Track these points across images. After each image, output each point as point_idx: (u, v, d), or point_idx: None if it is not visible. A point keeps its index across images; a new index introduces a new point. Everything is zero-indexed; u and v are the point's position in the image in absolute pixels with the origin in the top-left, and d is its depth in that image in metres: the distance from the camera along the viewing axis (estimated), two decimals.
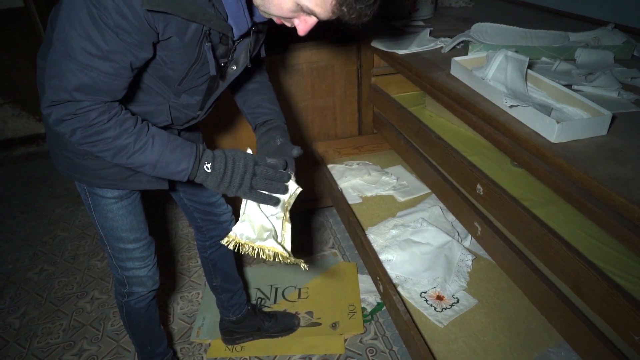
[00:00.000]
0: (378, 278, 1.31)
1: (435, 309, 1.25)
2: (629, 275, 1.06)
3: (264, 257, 0.90)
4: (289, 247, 0.94)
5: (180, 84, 0.90)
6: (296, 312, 1.69)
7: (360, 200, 1.72)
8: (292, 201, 0.96)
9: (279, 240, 0.93)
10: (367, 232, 1.52)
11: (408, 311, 1.17)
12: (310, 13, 0.74)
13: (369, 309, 1.67)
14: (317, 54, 1.83)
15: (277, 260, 0.91)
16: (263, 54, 1.02)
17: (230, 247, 0.89)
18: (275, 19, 0.80)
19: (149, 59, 0.80)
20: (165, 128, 0.98)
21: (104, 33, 0.70)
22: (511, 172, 1.45)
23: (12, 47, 2.87)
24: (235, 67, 0.93)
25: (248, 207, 0.91)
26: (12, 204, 2.60)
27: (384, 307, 1.67)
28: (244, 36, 0.86)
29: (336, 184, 1.78)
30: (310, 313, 1.69)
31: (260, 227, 0.90)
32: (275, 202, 0.91)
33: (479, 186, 1.28)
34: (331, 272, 1.85)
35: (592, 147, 0.91)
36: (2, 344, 1.70)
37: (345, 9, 0.71)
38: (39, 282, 2.00)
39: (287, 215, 0.95)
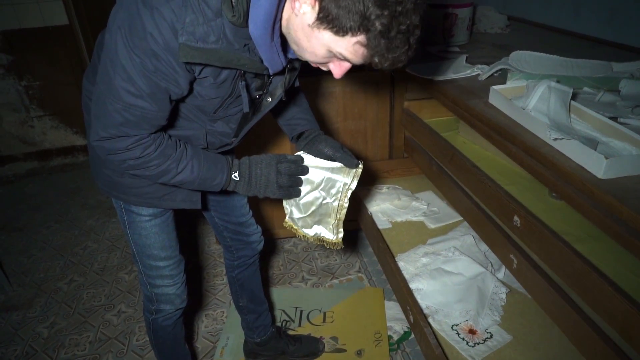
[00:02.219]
0: (408, 308, 1.28)
1: (467, 343, 1.21)
2: None
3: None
4: (340, 234, 1.05)
5: (216, 112, 0.93)
6: (320, 337, 1.66)
7: (390, 226, 1.69)
8: (355, 182, 1.02)
9: (332, 224, 1.04)
10: (396, 259, 1.49)
11: (440, 344, 1.13)
12: (343, 59, 0.76)
13: (395, 338, 1.63)
14: (351, 77, 1.83)
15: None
16: (297, 84, 1.04)
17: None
18: (311, 63, 0.83)
19: (187, 94, 0.84)
20: None
21: (145, 76, 0.75)
22: (550, 204, 1.40)
23: (56, 62, 2.99)
24: (270, 99, 0.95)
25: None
26: (47, 213, 2.67)
27: (411, 336, 1.63)
28: (279, 72, 0.88)
29: (366, 208, 1.76)
30: (334, 338, 1.66)
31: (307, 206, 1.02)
32: (299, 194, 0.98)
33: (516, 217, 1.25)
34: (357, 296, 1.82)
35: None
36: (31, 352, 1.72)
37: (377, 60, 0.72)
38: (69, 292, 2.04)
39: (347, 198, 1.03)
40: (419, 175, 1.99)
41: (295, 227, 1.07)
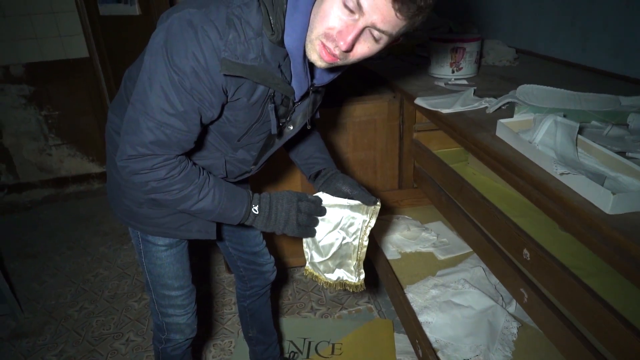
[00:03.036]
0: (417, 342, 1.26)
1: None
2: None
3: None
4: (362, 275, 1.06)
5: (240, 140, 0.96)
6: None
7: (399, 256, 1.69)
8: (374, 220, 1.03)
9: (353, 265, 1.05)
10: (405, 291, 1.48)
11: None
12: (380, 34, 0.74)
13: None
14: (361, 108, 1.87)
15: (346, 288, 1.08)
16: (317, 115, 1.07)
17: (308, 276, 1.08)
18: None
19: (216, 117, 0.87)
20: None
21: (181, 95, 0.77)
22: (560, 237, 1.39)
23: (75, 92, 3.10)
24: (292, 127, 0.99)
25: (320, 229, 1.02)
26: (59, 239, 2.71)
27: None
28: (303, 97, 0.91)
29: (374, 239, 1.76)
30: None
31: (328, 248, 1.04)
32: (314, 234, 1.00)
33: (525, 251, 1.24)
34: (366, 328, 1.80)
35: None
36: None
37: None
38: (79, 319, 2.05)
39: (366, 236, 1.04)
40: (429, 205, 1.99)
41: (316, 273, 1.07)
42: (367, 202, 1.03)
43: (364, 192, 1.04)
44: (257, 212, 0.94)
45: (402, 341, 1.72)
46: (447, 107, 1.54)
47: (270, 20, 0.76)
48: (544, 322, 1.19)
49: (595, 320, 1.01)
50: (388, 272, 1.51)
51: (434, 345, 1.29)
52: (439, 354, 1.26)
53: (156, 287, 1.18)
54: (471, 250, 1.69)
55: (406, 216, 1.91)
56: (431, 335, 1.31)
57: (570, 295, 1.09)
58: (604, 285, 1.17)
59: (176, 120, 0.80)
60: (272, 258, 1.41)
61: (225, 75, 0.77)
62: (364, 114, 1.88)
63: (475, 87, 1.67)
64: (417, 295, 1.46)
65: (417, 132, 1.91)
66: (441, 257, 1.66)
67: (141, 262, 1.18)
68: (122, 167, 0.84)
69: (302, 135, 1.17)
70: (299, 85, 0.86)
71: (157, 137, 0.80)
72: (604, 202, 0.91)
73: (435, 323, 1.35)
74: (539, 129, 1.17)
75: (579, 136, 1.17)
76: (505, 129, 1.28)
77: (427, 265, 1.63)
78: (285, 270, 2.20)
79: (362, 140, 1.92)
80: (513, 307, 1.44)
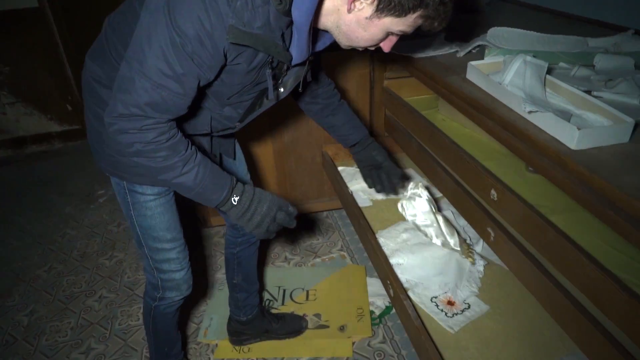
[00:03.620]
0: (388, 282, 1.30)
1: (446, 314, 1.23)
2: None
3: None
4: None
5: (229, 98, 0.93)
6: (304, 315, 1.68)
7: (371, 204, 1.71)
8: None
9: None
10: (377, 236, 1.50)
11: (419, 316, 1.16)
12: (400, 34, 0.84)
13: (377, 313, 1.66)
14: (329, 57, 1.81)
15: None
16: (309, 78, 1.06)
17: None
18: (360, 48, 0.89)
19: (212, 80, 0.85)
20: (202, 135, 1.03)
21: (181, 58, 0.75)
22: (526, 178, 1.43)
23: (27, 47, 2.89)
24: (282, 90, 0.96)
25: None
26: (23, 202, 2.61)
27: (393, 311, 1.66)
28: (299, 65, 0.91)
29: (346, 187, 1.76)
30: (318, 315, 1.68)
31: None
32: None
33: (493, 191, 1.27)
34: (339, 274, 1.84)
35: (614, 155, 0.90)
36: (11, 341, 1.70)
37: (436, 24, 0.81)
38: (48, 280, 2.01)
39: None
40: (400, 154, 2.00)
41: None
42: (394, 172, 1.24)
43: (392, 164, 1.25)
44: (235, 204, 0.93)
45: (374, 285, 1.78)
46: (418, 52, 1.52)
47: None
48: (509, 259, 1.24)
49: (558, 254, 1.05)
50: (360, 218, 1.52)
51: (405, 285, 1.33)
52: (410, 293, 1.30)
53: (148, 242, 1.14)
54: (441, 195, 1.72)
55: None
56: (402, 276, 1.35)
57: (535, 232, 1.13)
58: (567, 221, 1.22)
59: (174, 83, 0.77)
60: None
61: (232, 43, 0.76)
62: (333, 63, 1.83)
63: (446, 33, 1.64)
64: (389, 239, 1.49)
65: (388, 79, 1.88)
66: None
67: (130, 217, 1.12)
68: (110, 123, 0.81)
69: (332, 109, 1.25)
70: (299, 54, 0.85)
71: (152, 99, 0.77)
72: (570, 138, 0.93)
73: (406, 264, 1.38)
74: (509, 70, 1.16)
75: (547, 76, 1.17)
76: (476, 71, 1.28)
77: (398, 211, 1.65)
78: None
79: None
80: (480, 246, 1.49)
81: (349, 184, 1.79)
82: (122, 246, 2.19)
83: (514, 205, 1.19)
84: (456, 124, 1.67)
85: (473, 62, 1.30)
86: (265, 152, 1.96)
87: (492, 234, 1.27)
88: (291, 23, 0.79)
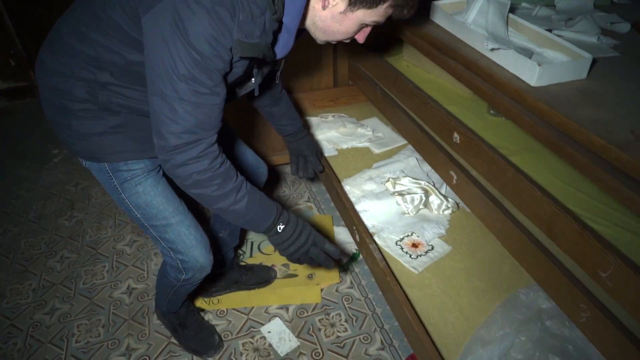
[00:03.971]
0: (354, 228, 1.31)
1: (410, 256, 1.27)
2: (600, 218, 1.09)
3: None
4: None
5: None
6: (272, 265, 1.69)
7: (336, 153, 1.70)
8: None
9: None
10: (343, 184, 1.51)
11: (384, 258, 1.18)
12: (373, 24, 0.88)
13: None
14: None
15: None
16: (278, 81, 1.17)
17: None
18: (336, 42, 0.93)
19: None
20: None
21: (209, 73, 0.79)
22: (488, 121, 1.45)
23: None
24: (252, 80, 0.99)
25: None
26: None
27: (360, 258, 1.69)
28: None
29: (312, 137, 1.74)
30: (286, 265, 1.70)
31: None
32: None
33: (455, 134, 1.28)
34: None
35: (572, 90, 0.91)
36: None
37: (406, 11, 0.84)
38: (4, 243, 1.92)
39: None
40: (364, 102, 1.98)
41: None
42: (316, 167, 1.36)
43: (317, 160, 1.36)
44: (280, 232, 0.98)
45: (341, 233, 1.80)
46: None
47: (273, 1, 0.79)
48: (471, 201, 1.27)
49: (515, 191, 1.08)
50: (325, 167, 1.51)
51: (371, 230, 1.35)
52: (375, 237, 1.32)
53: (151, 221, 1.07)
54: (405, 142, 1.73)
55: (342, 114, 1.90)
56: (367, 221, 1.37)
57: (495, 172, 1.15)
58: (526, 162, 1.25)
59: (210, 97, 0.81)
60: (264, 164, 1.40)
61: (240, 57, 0.81)
62: None
63: None
64: (354, 187, 1.49)
65: None
66: (377, 150, 1.69)
67: (122, 201, 1.06)
68: (166, 160, 0.84)
69: (274, 100, 1.29)
70: (282, 51, 0.90)
71: (198, 119, 0.81)
72: (530, 75, 0.93)
73: (372, 211, 1.40)
74: (472, 9, 1.14)
75: (510, 15, 1.16)
76: (440, 12, 1.25)
77: (363, 160, 1.65)
78: None
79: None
80: (443, 191, 1.52)
81: (314, 134, 1.77)
82: (82, 206, 2.12)
83: (475, 147, 1.20)
84: (420, 70, 1.65)
85: (437, 2, 1.26)
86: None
87: (455, 177, 1.29)
88: (280, 26, 0.85)
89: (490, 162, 1.16)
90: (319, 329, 1.50)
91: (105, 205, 2.10)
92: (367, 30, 0.91)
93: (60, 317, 1.59)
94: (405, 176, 1.51)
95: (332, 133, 1.78)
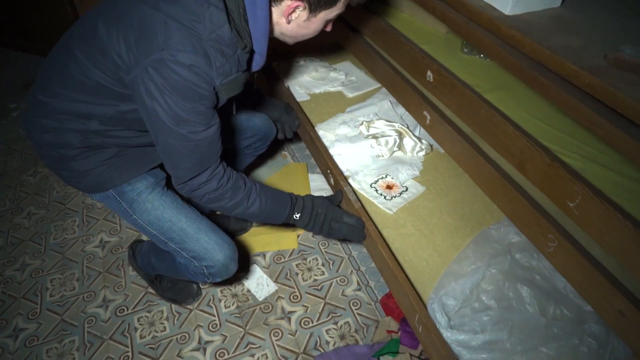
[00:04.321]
0: (329, 171, 1.29)
1: (385, 197, 1.27)
2: (570, 152, 1.11)
3: None
4: None
5: None
6: None
7: (308, 98, 1.65)
8: None
9: None
10: (316, 128, 1.48)
11: (359, 200, 1.18)
12: (336, 17, 0.95)
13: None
14: None
15: None
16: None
17: None
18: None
19: None
20: None
21: (200, 115, 0.87)
22: (462, 60, 1.42)
23: None
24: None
25: None
26: None
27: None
28: None
29: (282, 82, 1.69)
30: None
31: None
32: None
33: (429, 73, 1.25)
34: (282, 173, 1.84)
35: (545, 18, 0.89)
36: None
37: None
38: None
39: None
40: (336, 45, 1.92)
41: None
42: (292, 126, 1.45)
43: (292, 118, 1.45)
44: (298, 219, 1.09)
45: (316, 180, 1.79)
46: None
47: (241, 36, 0.85)
48: (444, 140, 1.26)
49: (489, 128, 1.07)
50: (298, 112, 1.48)
51: (345, 174, 1.34)
52: (350, 180, 1.31)
53: (168, 234, 1.10)
54: (379, 85, 1.69)
55: (313, 58, 1.83)
56: (342, 165, 1.35)
57: (468, 109, 1.14)
58: (499, 99, 1.24)
59: (208, 131, 0.89)
60: (272, 123, 1.46)
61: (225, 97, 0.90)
62: None
63: None
64: (328, 132, 1.46)
65: None
66: (350, 95, 1.65)
67: (136, 222, 1.10)
68: (181, 187, 0.96)
69: (252, 99, 1.42)
70: (255, 67, 0.96)
71: (202, 153, 0.91)
72: (504, 3, 0.90)
73: (346, 154, 1.38)
74: None
75: None
76: None
77: (336, 104, 1.62)
78: None
79: None
80: (417, 132, 1.51)
81: (285, 79, 1.71)
82: None
83: (449, 84, 1.18)
84: (393, 9, 1.59)
85: None
86: None
87: (428, 117, 1.28)
88: (252, 52, 0.91)
89: (464, 99, 1.14)
90: (297, 274, 1.52)
91: None
92: (331, 21, 0.98)
93: (32, 272, 1.56)
94: (379, 119, 1.48)
95: (304, 78, 1.72)
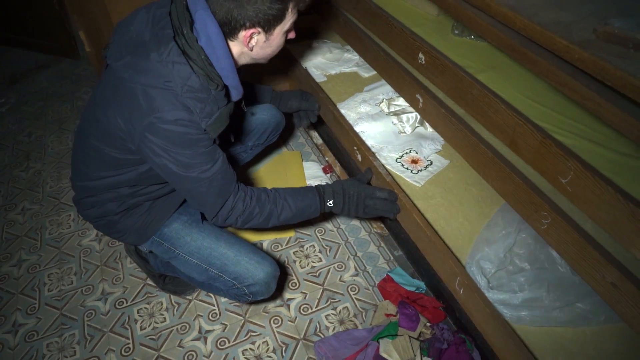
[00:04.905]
0: (355, 148, 1.30)
1: (411, 171, 1.28)
2: (561, 130, 1.12)
3: None
4: None
5: None
6: None
7: (325, 79, 1.64)
8: None
9: None
10: (338, 107, 1.48)
11: (389, 174, 1.20)
12: (293, 25, 1.00)
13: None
14: None
15: None
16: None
17: None
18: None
19: None
20: None
21: (203, 156, 0.95)
22: (453, 42, 1.42)
23: None
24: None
25: None
26: None
27: None
28: None
29: (299, 63, 1.68)
30: None
31: None
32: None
33: (420, 55, 1.25)
34: (276, 161, 1.83)
35: None
36: None
37: (302, 5, 0.96)
38: None
39: None
40: (328, 31, 1.90)
41: None
42: (312, 113, 1.47)
43: (311, 103, 1.45)
44: (332, 206, 1.13)
45: (310, 168, 1.79)
46: None
47: (211, 79, 0.90)
48: (437, 122, 1.27)
49: (481, 108, 1.08)
50: (319, 91, 1.47)
51: (371, 150, 1.34)
52: (377, 156, 1.31)
53: (209, 261, 1.16)
54: (375, 72, 1.68)
55: (326, 40, 1.83)
56: (367, 142, 1.36)
57: (461, 90, 1.14)
58: (490, 79, 1.25)
59: (216, 166, 0.97)
60: (280, 113, 1.50)
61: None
62: None
63: None
64: (349, 110, 1.47)
65: None
66: (365, 74, 1.65)
67: (178, 258, 1.18)
68: (215, 220, 1.04)
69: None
70: (238, 94, 1.02)
71: (219, 186, 0.99)
72: None
73: (369, 132, 1.39)
74: None
75: None
76: None
77: (353, 84, 1.61)
78: None
79: None
80: None
81: (301, 61, 1.71)
82: (38, 156, 2.02)
83: (441, 66, 1.18)
84: None
85: None
86: None
87: (421, 100, 1.28)
88: (226, 89, 0.97)
89: (456, 79, 1.14)
90: (294, 261, 1.53)
91: (64, 154, 2.01)
92: (292, 28, 1.02)
93: (29, 268, 1.56)
94: (398, 97, 1.48)
95: (318, 59, 1.72)
